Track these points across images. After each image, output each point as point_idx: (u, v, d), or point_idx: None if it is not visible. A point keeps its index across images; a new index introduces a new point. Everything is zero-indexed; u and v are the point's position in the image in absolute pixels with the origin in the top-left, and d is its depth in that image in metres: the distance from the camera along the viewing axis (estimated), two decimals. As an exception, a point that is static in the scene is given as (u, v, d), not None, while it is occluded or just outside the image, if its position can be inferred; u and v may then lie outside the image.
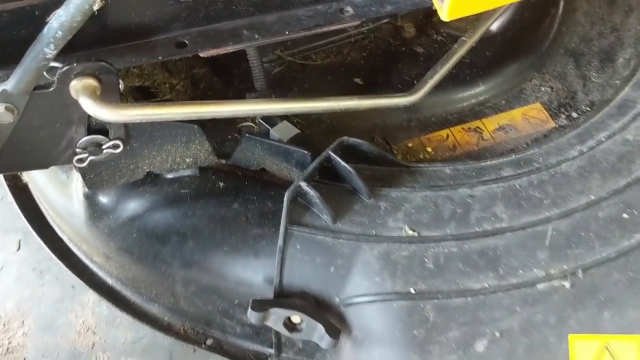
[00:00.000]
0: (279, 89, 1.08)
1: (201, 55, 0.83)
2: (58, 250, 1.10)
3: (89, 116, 0.78)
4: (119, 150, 0.85)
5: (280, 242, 0.83)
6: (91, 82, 0.74)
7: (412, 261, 0.84)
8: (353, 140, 0.89)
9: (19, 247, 1.18)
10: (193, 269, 0.93)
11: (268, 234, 0.90)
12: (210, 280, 0.94)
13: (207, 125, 0.98)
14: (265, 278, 0.90)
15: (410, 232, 0.86)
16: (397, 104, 0.94)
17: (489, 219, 0.88)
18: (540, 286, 0.82)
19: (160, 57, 0.81)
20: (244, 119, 1.02)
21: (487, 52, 1.16)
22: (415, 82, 1.05)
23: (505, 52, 1.17)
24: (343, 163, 0.86)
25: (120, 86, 0.78)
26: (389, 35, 1.19)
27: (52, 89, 0.74)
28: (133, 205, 0.96)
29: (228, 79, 1.14)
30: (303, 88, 1.12)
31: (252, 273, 0.91)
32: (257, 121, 0.98)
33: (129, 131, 0.84)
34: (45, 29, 0.67)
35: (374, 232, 0.86)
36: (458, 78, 1.13)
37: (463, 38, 1.04)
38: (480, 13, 1.09)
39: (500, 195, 0.90)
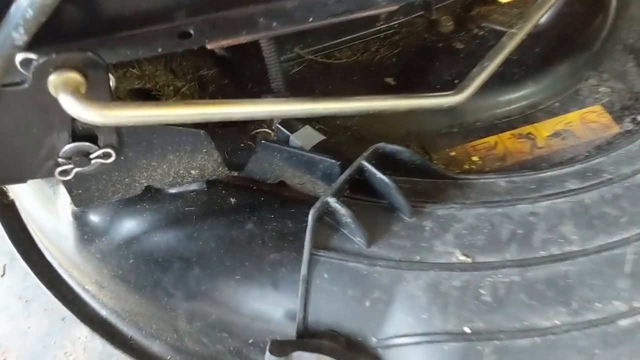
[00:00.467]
0: (298, 91, 0.95)
1: (208, 47, 0.70)
2: (46, 277, 0.96)
3: (73, 119, 0.64)
4: (110, 161, 0.71)
5: (304, 270, 0.69)
6: (74, 76, 0.60)
7: (466, 293, 0.70)
8: (391, 147, 0.74)
9: (4, 273, 1.05)
10: (199, 301, 0.79)
11: (289, 260, 0.76)
12: (220, 315, 0.79)
13: (217, 133, 0.85)
14: (286, 313, 0.75)
15: (463, 258, 0.72)
16: (441, 104, 0.80)
17: (556, 241, 0.75)
18: (623, 322, 0.69)
19: (160, 49, 0.68)
20: (259, 125, 0.88)
21: (537, 48, 1.01)
22: (455, 81, 0.91)
23: (557, 48, 1.03)
24: (379, 174, 0.71)
25: (111, 82, 0.65)
26: (424, 30, 1.05)
27: (26, 85, 0.60)
28: (129, 226, 0.82)
29: (240, 81, 1.00)
30: (326, 90, 0.98)
31: (270, 307, 0.77)
32: (274, 127, 0.84)
33: (122, 138, 0.71)
34: (13, 8, 0.54)
35: (419, 258, 0.72)
36: (505, 77, 0.99)
37: (512, 30, 0.90)
38: (527, 5, 0.96)
39: (567, 212, 0.77)
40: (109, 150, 0.70)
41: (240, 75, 1.01)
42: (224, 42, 0.71)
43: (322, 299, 0.70)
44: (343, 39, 1.02)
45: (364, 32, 1.03)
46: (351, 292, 0.70)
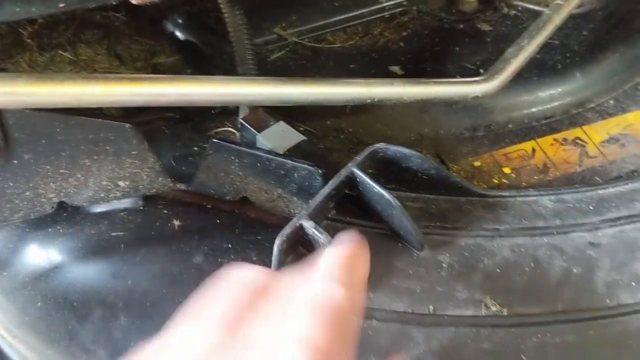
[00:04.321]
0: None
1: (134, 2, 0.49)
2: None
3: None
4: (-7, 165, 0.50)
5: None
6: None
7: None
8: (394, 149, 0.52)
9: None
10: (127, 363, 0.56)
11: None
12: (157, 381, 0.56)
13: (162, 131, 0.63)
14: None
15: (496, 308, 0.51)
16: (466, 93, 0.58)
17: (628, 284, 0.54)
18: None
19: (61, 4, 0.47)
20: (220, 122, 0.66)
21: (585, 32, 0.79)
22: (481, 70, 0.70)
23: (610, 32, 0.81)
24: (378, 188, 0.49)
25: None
26: (440, 9, 0.83)
27: None
28: (37, 257, 0.60)
29: (207, 71, 0.79)
30: (314, 80, 0.76)
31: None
32: (239, 124, 0.63)
33: (9, 132, 0.49)
34: None
35: (432, 309, 0.51)
36: (545, 66, 0.77)
37: (548, 11, 0.69)
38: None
39: (640, 243, 0.55)
40: (-12, 149, 0.49)
41: (207, 64, 0.79)
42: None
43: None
44: (337, 19, 0.81)
45: (365, 11, 0.82)
46: (335, 359, 0.47)
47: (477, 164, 0.71)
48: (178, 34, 0.80)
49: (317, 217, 0.49)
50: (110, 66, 0.75)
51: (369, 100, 0.55)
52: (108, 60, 0.76)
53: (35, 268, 0.60)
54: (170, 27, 0.82)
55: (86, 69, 0.74)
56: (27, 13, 0.48)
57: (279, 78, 0.53)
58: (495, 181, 0.70)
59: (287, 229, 0.48)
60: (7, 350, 0.72)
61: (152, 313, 0.56)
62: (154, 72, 0.78)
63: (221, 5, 0.62)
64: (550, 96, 0.78)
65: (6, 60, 0.71)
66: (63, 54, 0.73)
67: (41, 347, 0.63)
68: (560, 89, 0.78)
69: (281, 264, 0.48)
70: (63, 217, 0.60)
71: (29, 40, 0.71)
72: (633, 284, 0.53)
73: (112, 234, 0.59)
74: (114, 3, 0.50)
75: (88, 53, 0.75)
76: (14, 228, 0.61)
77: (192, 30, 0.80)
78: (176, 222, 0.59)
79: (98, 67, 0.74)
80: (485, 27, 0.82)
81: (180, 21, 0.82)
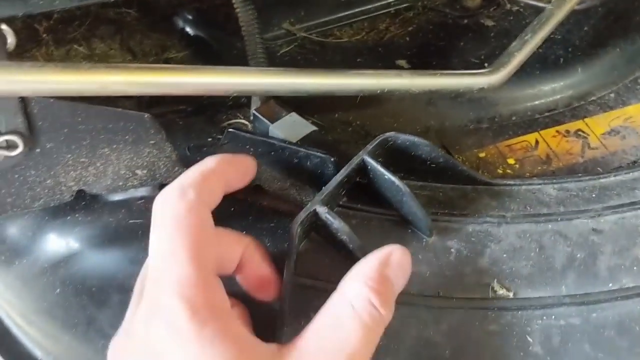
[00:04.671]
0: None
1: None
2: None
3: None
4: (17, 153, 0.52)
5: (285, 307, 0.48)
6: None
7: (508, 342, 0.50)
8: (404, 137, 0.54)
9: None
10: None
11: (264, 292, 0.55)
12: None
13: (177, 123, 0.65)
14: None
15: (502, 292, 0.53)
16: (472, 85, 0.60)
17: (630, 269, 0.55)
18: None
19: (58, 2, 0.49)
20: (233, 114, 0.68)
21: (586, 27, 0.81)
22: (485, 65, 0.71)
23: (610, 27, 0.83)
24: (388, 175, 0.51)
25: (9, 40, 0.46)
26: (445, 5, 0.85)
27: None
28: (56, 244, 0.62)
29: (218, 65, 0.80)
30: (322, 74, 0.78)
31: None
32: (251, 115, 0.65)
33: (33, 121, 0.51)
34: None
35: (441, 292, 0.52)
36: (548, 60, 0.79)
37: (550, 6, 0.71)
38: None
39: (642, 229, 0.57)
40: (13, 137, 0.50)
41: (217, 57, 0.81)
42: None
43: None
44: (344, 14, 0.83)
45: (370, 6, 0.84)
46: (348, 340, 0.49)
47: (481, 155, 0.73)
48: (188, 29, 0.82)
49: (330, 203, 0.51)
50: (123, 60, 0.77)
51: (378, 91, 0.57)
52: (121, 54, 0.77)
53: (54, 255, 0.62)
54: (180, 23, 0.83)
55: (100, 63, 0.76)
56: (50, 6, 0.50)
57: (292, 69, 0.55)
58: (500, 172, 0.71)
59: (302, 215, 0.49)
60: (22, 338, 0.74)
61: (169, 297, 0.58)
62: (166, 66, 0.80)
63: (233, 1, 0.64)
64: (553, 89, 0.80)
65: (22, 54, 0.73)
66: (78, 48, 0.74)
67: (58, 333, 0.64)
68: (562, 83, 0.80)
69: (296, 249, 0.50)
70: (81, 205, 0.61)
71: (44, 35, 0.73)
72: (635, 268, 0.55)
73: (130, 221, 0.60)
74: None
75: (102, 48, 0.76)
76: (33, 216, 0.63)
77: (201, 26, 0.82)
78: (192, 210, 0.60)
79: (112, 61, 0.76)
80: (489, 23, 0.84)
81: (190, 17, 0.84)
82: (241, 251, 0.49)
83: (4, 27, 0.45)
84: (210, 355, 0.36)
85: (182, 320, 0.37)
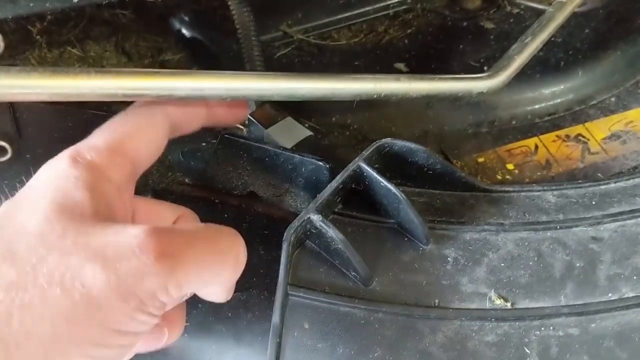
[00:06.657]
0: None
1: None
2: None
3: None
4: (6, 159, 0.51)
5: (275, 317, 0.48)
6: None
7: (505, 353, 0.49)
8: (401, 144, 0.53)
9: None
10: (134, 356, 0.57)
11: (257, 301, 0.55)
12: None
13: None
14: (251, 377, 0.54)
15: (499, 302, 0.52)
16: (470, 89, 0.59)
17: (630, 278, 0.54)
18: None
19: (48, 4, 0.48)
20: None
21: (587, 30, 0.80)
22: (485, 68, 0.71)
23: (611, 30, 0.82)
24: (384, 182, 0.50)
25: (-2, 44, 0.45)
26: (444, 7, 0.84)
27: None
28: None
29: (213, 68, 0.79)
30: (319, 77, 0.78)
31: (231, 367, 0.55)
32: (245, 121, 0.64)
33: (21, 125, 0.50)
34: None
35: (437, 302, 0.51)
36: (548, 64, 0.78)
37: (551, 9, 0.70)
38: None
39: (644, 238, 0.56)
40: (2, 143, 0.50)
41: (215, 59, 0.80)
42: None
43: (302, 359, 0.49)
44: (342, 16, 0.82)
45: (369, 9, 0.83)
46: (342, 350, 0.48)
47: (480, 160, 0.72)
48: (184, 31, 0.81)
49: (324, 211, 0.50)
50: (118, 63, 0.76)
51: (375, 96, 0.56)
52: (116, 57, 0.77)
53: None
54: (176, 24, 0.83)
55: (94, 66, 0.75)
56: (41, 8, 0.49)
57: (288, 73, 0.54)
58: (499, 177, 0.71)
59: (296, 223, 0.49)
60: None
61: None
62: (161, 68, 0.79)
63: (229, 3, 0.63)
64: (553, 93, 0.79)
65: (15, 56, 0.72)
66: (72, 50, 0.74)
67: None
68: (562, 86, 0.79)
69: (290, 258, 0.49)
70: (73, 211, 0.61)
71: (37, 37, 0.72)
72: (635, 277, 0.54)
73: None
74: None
75: (96, 50, 0.76)
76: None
77: (198, 28, 0.81)
78: (185, 216, 0.59)
79: (106, 64, 0.75)
80: (489, 25, 0.83)
81: (186, 19, 0.83)
82: (173, 218, 0.50)
83: (-8, 31, 0.44)
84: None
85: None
